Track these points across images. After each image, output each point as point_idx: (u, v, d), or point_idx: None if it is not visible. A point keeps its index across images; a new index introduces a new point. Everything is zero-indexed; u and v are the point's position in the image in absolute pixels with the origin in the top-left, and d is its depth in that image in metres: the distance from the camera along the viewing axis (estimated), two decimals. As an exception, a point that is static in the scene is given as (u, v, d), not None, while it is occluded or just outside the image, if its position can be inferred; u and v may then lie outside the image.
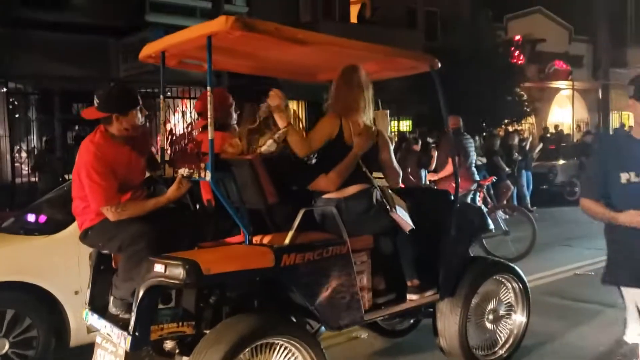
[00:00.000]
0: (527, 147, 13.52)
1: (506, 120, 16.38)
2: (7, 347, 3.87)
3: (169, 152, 3.39)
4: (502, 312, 4.24)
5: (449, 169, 7.85)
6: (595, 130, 20.40)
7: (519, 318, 4.29)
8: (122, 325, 3.02)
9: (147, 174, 3.63)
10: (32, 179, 11.81)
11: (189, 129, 3.28)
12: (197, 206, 3.65)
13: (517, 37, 18.67)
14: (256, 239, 3.16)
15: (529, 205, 12.55)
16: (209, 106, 3.00)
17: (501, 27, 19.77)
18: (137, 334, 2.86)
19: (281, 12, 15.56)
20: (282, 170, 3.35)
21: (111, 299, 3.27)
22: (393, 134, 16.00)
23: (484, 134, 15.29)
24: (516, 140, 13.02)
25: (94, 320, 3.28)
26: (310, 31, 3.23)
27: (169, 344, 3.15)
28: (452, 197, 4.08)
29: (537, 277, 6.66)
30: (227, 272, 2.88)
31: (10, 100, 12.79)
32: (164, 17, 12.83)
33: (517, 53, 17.57)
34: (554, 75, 21.65)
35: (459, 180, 7.43)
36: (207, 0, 13.04)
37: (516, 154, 12.62)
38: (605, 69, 24.08)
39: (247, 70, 4.21)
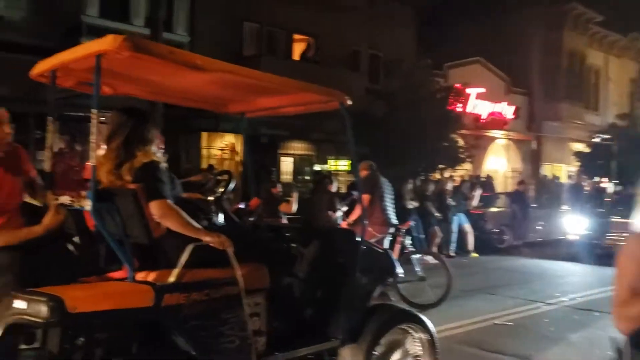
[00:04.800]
0: (465, 191, 13.78)
1: (441, 166, 16.69)
2: None
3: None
4: (409, 364, 4.10)
5: (356, 212, 7.84)
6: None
7: None
8: None
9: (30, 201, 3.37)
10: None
11: (71, 154, 3.08)
12: (81, 237, 3.41)
13: (457, 85, 19.21)
14: (141, 276, 2.94)
15: (452, 252, 12.66)
16: (92, 129, 2.82)
17: (441, 75, 20.34)
18: None
19: (225, 44, 15.53)
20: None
21: None
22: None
23: (421, 178, 15.51)
24: (449, 185, 13.23)
25: None
26: (211, 58, 3.08)
27: None
28: (359, 239, 3.95)
29: (456, 325, 6.64)
30: (97, 311, 2.66)
31: None
32: (100, 41, 12.49)
33: (454, 100, 18.03)
34: (491, 124, 22.35)
35: (375, 225, 7.49)
36: (147, 27, 12.86)
37: (449, 199, 12.79)
38: (539, 122, 25.12)
39: (152, 97, 4.11)
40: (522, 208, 14.75)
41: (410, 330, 4.11)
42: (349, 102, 3.91)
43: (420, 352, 4.15)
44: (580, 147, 24.22)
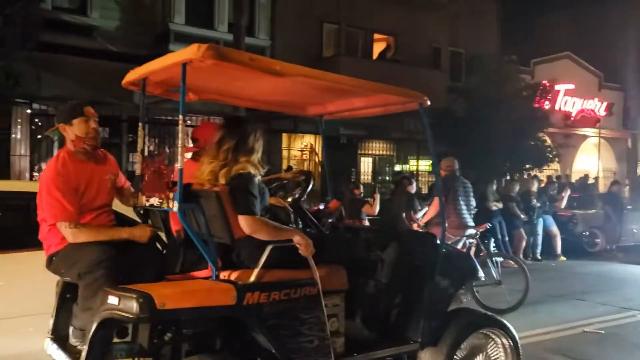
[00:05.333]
0: (555, 192, 13.26)
1: (527, 166, 16.11)
2: None
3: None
4: (490, 370, 4.02)
5: (431, 212, 7.72)
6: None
7: None
8: (79, 357, 2.91)
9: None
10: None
11: (160, 157, 3.27)
12: (168, 237, 3.58)
13: (544, 82, 18.51)
14: (224, 274, 3.07)
15: (538, 254, 12.21)
16: (179, 134, 2.97)
17: (528, 71, 19.65)
18: None
19: (304, 46, 15.77)
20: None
21: (71, 329, 3.21)
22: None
23: (506, 178, 15.06)
24: (535, 186, 12.75)
25: (53, 350, 3.24)
26: (289, 63, 3.16)
27: None
28: (438, 242, 3.92)
29: (543, 331, 6.42)
30: (184, 308, 2.80)
31: (35, 120, 13.08)
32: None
33: (541, 97, 17.34)
34: (581, 122, 21.35)
35: (449, 228, 7.32)
36: (230, 33, 13.27)
37: (534, 200, 12.34)
38: (635, 118, 23.70)
39: (235, 102, 4.21)
40: (616, 210, 13.97)
41: (493, 336, 4.04)
42: (428, 103, 3.87)
43: (502, 358, 4.06)
44: (681, 144, 22.70)
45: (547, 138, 17.32)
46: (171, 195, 2.99)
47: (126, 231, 3.28)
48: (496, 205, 11.44)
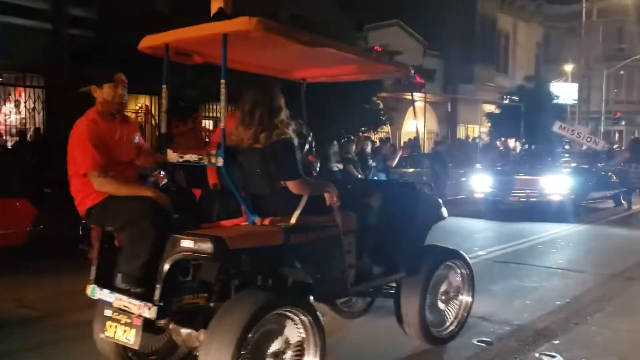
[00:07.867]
0: (386, 152, 13.97)
1: (363, 128, 16.79)
2: None
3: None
4: (452, 293, 4.95)
5: None
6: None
7: (465, 298, 5.03)
8: (139, 297, 3.35)
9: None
10: None
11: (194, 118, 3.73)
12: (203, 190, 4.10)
13: (376, 47, 19.21)
14: (257, 221, 3.58)
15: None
16: (221, 97, 3.33)
17: (361, 37, 20.32)
18: (162, 304, 3.25)
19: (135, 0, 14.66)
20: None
21: (119, 275, 3.53)
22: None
23: (342, 140, 15.53)
24: (369, 147, 13.34)
25: (104, 294, 3.54)
26: (314, 33, 3.60)
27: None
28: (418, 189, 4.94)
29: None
30: (248, 247, 3.31)
31: None
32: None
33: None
34: (409, 87, 22.64)
35: None
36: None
37: (370, 160, 12.92)
38: (455, 84, 25.79)
39: (231, 66, 4.21)
40: (442, 168, 15.15)
41: (454, 266, 4.98)
42: (412, 72, 4.67)
43: (460, 284, 4.99)
44: (491, 108, 25.17)
45: (380, 102, 18.14)
46: (213, 152, 3.36)
47: (150, 191, 3.59)
48: (337, 166, 11.82)
